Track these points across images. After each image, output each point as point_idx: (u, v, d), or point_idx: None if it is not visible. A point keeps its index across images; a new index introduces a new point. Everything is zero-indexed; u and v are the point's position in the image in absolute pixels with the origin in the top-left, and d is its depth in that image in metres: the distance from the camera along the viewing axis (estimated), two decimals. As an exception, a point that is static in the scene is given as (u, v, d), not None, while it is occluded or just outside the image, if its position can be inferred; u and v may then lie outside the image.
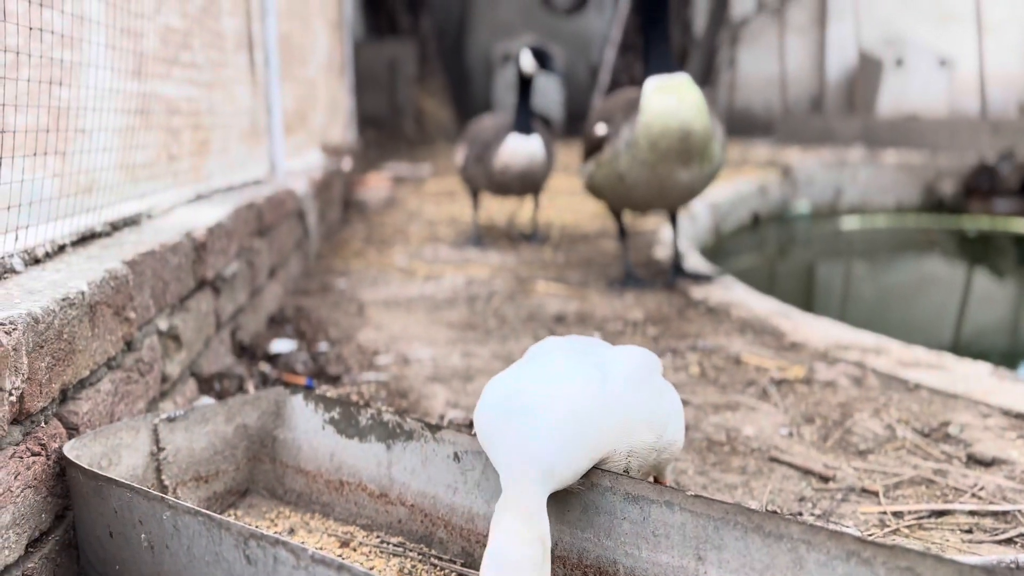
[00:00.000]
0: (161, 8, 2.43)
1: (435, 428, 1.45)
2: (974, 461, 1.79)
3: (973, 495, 1.63)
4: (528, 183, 4.27)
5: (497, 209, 5.65)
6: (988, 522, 1.54)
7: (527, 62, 4.05)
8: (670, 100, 2.95)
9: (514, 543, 1.09)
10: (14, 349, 1.16)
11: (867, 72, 11.00)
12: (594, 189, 3.39)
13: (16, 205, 1.47)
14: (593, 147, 3.29)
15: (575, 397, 1.22)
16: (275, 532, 1.49)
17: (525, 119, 4.14)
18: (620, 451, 1.26)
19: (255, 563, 1.07)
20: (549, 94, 13.31)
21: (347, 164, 5.79)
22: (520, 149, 4.13)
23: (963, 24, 10.20)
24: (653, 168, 3.05)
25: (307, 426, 1.59)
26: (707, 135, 2.99)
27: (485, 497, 1.38)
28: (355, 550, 1.45)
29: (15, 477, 1.17)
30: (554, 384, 1.24)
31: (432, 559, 1.42)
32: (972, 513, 1.57)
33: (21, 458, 1.20)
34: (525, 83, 4.13)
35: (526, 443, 1.18)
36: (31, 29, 1.54)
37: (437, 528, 1.44)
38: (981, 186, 7.28)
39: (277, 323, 2.86)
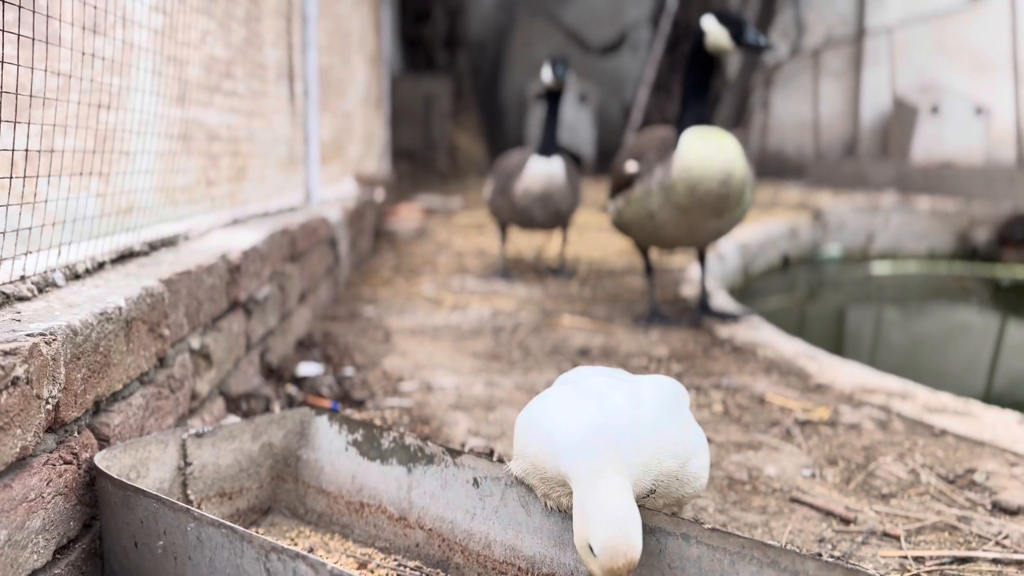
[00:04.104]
0: (206, 38, 2.51)
1: (456, 453, 1.46)
2: (999, 509, 1.76)
3: (997, 543, 1.61)
4: (551, 210, 4.20)
5: (525, 243, 5.69)
6: (1012, 571, 1.52)
7: (546, 74, 4.10)
8: (710, 146, 2.96)
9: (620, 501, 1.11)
10: (52, 359, 1.20)
11: (902, 118, 10.97)
12: (621, 225, 3.41)
13: (60, 222, 1.53)
14: (622, 183, 3.31)
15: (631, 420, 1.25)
16: (295, 551, 1.51)
17: (548, 142, 4.14)
18: (646, 479, 1.26)
19: (275, 577, 1.09)
20: (581, 132, 13.43)
21: (380, 195, 5.87)
22: (540, 171, 4.12)
23: (1000, 73, 10.15)
24: (686, 212, 3.06)
25: (330, 447, 1.61)
26: (744, 182, 3.00)
27: (502, 524, 1.39)
28: (372, 572, 1.46)
29: (47, 484, 1.21)
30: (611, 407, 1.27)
31: (448, 584, 1.42)
32: (995, 561, 1.55)
33: (54, 466, 1.23)
34: (552, 100, 4.16)
35: (611, 442, 1.20)
36: (83, 54, 1.61)
37: (454, 553, 1.45)
38: (1016, 235, 7.21)
39: (305, 347, 2.90)
